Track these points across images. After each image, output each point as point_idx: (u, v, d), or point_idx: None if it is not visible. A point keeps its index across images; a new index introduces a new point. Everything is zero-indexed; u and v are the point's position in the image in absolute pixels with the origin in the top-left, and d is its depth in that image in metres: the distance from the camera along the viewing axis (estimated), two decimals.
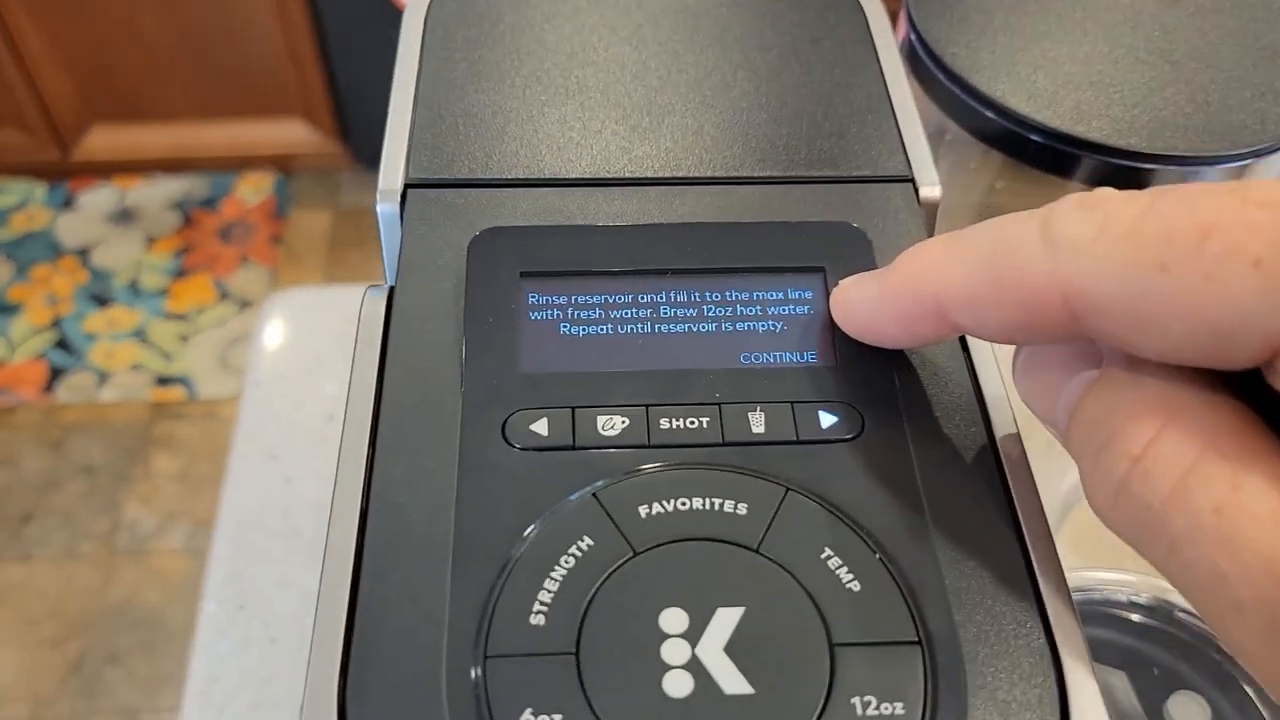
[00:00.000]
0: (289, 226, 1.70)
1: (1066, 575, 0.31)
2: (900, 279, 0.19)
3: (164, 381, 1.51)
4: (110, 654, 1.31)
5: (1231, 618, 0.14)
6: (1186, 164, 0.28)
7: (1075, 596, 0.31)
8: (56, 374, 1.51)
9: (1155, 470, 0.15)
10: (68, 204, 1.69)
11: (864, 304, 0.20)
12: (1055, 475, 0.42)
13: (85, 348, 1.54)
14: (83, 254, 1.64)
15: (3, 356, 1.52)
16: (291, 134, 1.66)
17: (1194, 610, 0.31)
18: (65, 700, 1.27)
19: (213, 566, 0.52)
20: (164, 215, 1.69)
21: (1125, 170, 0.28)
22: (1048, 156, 0.29)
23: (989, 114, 0.29)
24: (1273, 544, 0.13)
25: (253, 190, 1.72)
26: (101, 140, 1.65)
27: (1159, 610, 0.30)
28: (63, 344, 1.54)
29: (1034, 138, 0.28)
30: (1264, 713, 0.29)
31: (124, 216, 1.69)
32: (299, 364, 0.61)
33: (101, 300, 1.58)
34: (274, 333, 0.63)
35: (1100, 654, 0.30)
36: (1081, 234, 0.16)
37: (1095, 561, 0.37)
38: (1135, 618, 0.30)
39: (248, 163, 1.72)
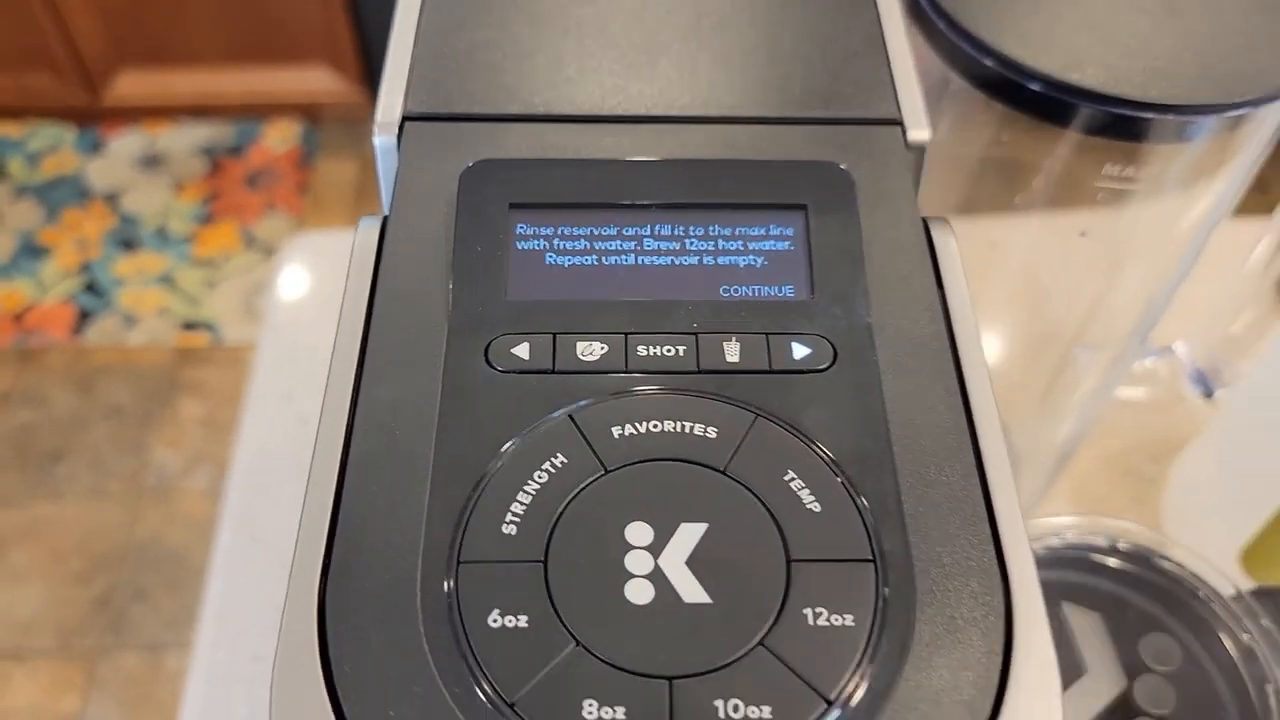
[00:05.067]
0: (315, 175, 1.71)
1: (1052, 521, 0.32)
2: None
3: (190, 326, 1.53)
4: (136, 590, 1.35)
5: None
6: (1181, 113, 0.28)
7: (1056, 542, 0.32)
8: (85, 316, 1.53)
9: None
10: (97, 148, 1.71)
11: None
12: (1050, 427, 0.42)
13: (113, 291, 1.56)
14: (111, 199, 1.65)
15: (33, 298, 1.55)
16: (318, 81, 1.66)
17: (1170, 554, 0.31)
18: (92, 633, 1.30)
19: (228, 501, 0.53)
20: (191, 161, 1.70)
21: (1121, 118, 0.28)
22: (1044, 104, 0.29)
23: (986, 61, 0.29)
24: None
25: (280, 138, 1.73)
26: (130, 84, 1.66)
27: (1138, 557, 0.31)
28: (91, 287, 1.56)
29: (1030, 85, 0.29)
30: (1232, 653, 0.29)
31: (152, 162, 1.70)
32: (316, 307, 0.63)
33: (130, 245, 1.60)
34: (292, 276, 0.64)
35: (1079, 597, 0.31)
36: None
37: (1091, 510, 0.37)
38: (1114, 563, 0.31)
39: (275, 110, 1.73)
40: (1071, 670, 0.30)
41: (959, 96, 0.34)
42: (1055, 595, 0.31)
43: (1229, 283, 0.39)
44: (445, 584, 0.18)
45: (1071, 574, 0.31)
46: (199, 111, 1.73)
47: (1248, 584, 0.31)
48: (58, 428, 1.46)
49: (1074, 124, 0.29)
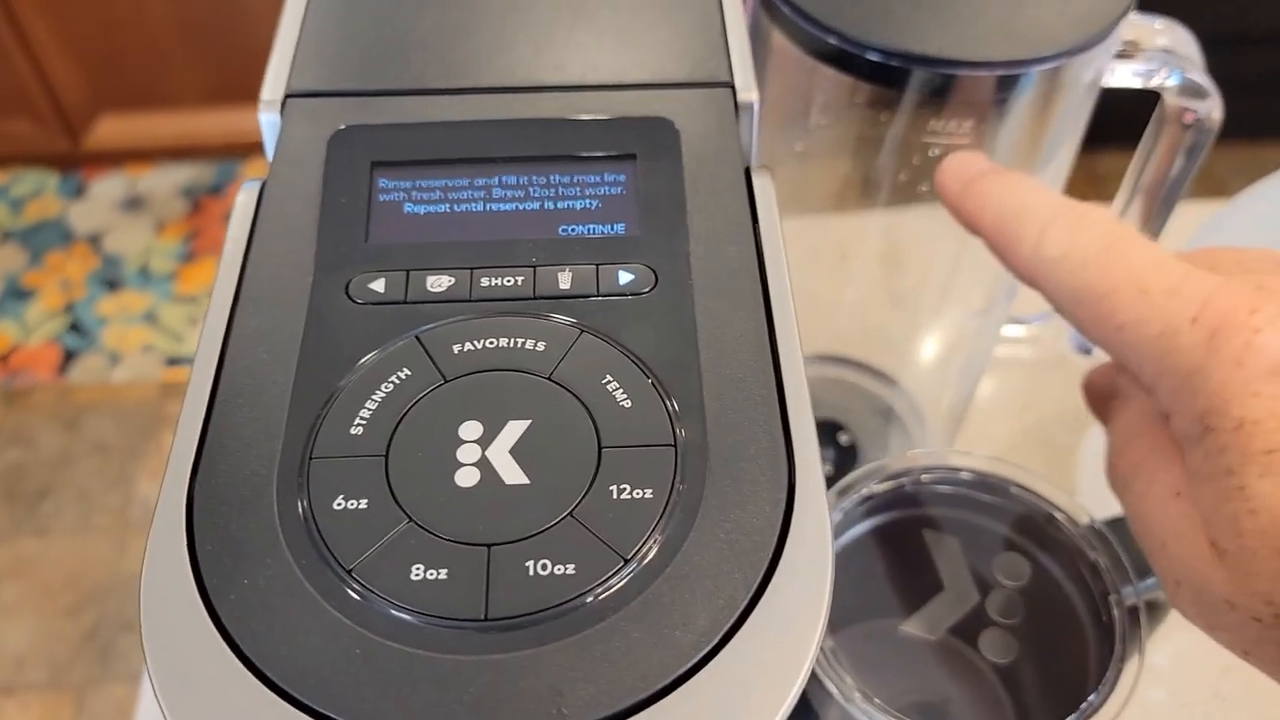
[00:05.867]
0: None
1: (923, 457, 0.34)
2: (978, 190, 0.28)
3: (174, 362, 1.56)
4: (124, 622, 1.36)
5: None
6: (1002, 67, 0.31)
7: (927, 478, 0.35)
8: (70, 356, 1.56)
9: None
10: (79, 192, 1.75)
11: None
12: (942, 387, 0.45)
13: (97, 331, 1.59)
14: (94, 240, 1.69)
15: (18, 340, 1.58)
16: None
17: (1028, 485, 0.34)
18: (82, 665, 1.32)
19: None
20: (173, 202, 1.74)
21: (950, 79, 0.31)
22: (883, 73, 0.32)
23: (830, 40, 0.32)
24: None
25: (258, 176, 1.77)
26: (111, 129, 1.70)
27: (997, 487, 0.33)
28: (76, 327, 1.59)
29: (869, 56, 0.31)
30: (1081, 570, 0.32)
31: (134, 203, 1.74)
32: None
33: (113, 285, 1.63)
34: None
35: (942, 525, 0.33)
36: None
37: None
38: (974, 494, 0.34)
39: (253, 149, 1.77)
40: (930, 589, 0.32)
41: (829, 80, 0.37)
42: (918, 524, 0.33)
43: None
44: (298, 477, 0.20)
45: (936, 508, 0.34)
46: (179, 153, 1.77)
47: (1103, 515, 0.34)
48: (45, 466, 1.48)
49: (911, 87, 0.32)
